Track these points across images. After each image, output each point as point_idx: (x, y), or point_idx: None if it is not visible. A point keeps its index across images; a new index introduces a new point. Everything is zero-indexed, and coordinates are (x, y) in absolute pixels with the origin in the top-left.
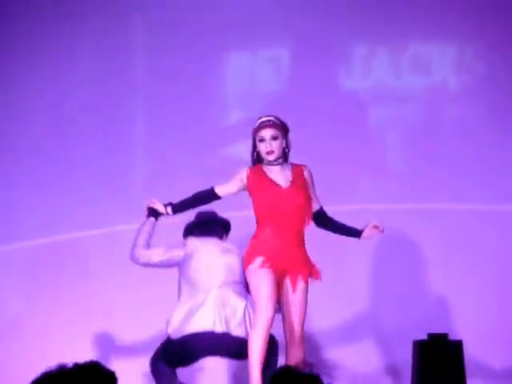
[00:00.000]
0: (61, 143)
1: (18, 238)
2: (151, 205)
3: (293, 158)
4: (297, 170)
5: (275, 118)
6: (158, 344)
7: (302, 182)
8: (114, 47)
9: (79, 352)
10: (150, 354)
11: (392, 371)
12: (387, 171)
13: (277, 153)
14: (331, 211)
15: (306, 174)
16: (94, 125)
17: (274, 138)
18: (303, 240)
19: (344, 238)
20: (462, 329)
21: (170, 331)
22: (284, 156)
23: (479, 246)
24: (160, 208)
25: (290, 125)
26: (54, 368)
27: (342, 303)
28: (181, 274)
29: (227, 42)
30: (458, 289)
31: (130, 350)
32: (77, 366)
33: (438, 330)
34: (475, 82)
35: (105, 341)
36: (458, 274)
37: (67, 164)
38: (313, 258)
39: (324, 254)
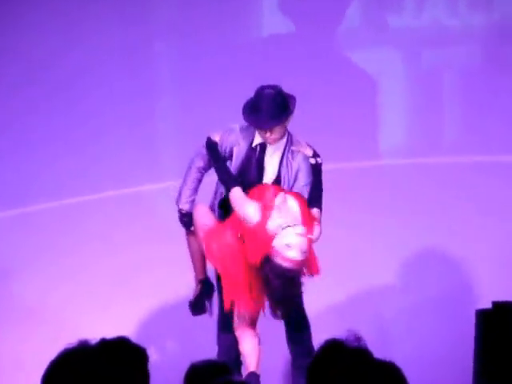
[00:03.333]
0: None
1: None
2: None
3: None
4: None
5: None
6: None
7: None
8: None
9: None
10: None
11: (454, 343)
12: (441, 117)
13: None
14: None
15: None
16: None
17: None
18: None
19: None
20: None
21: None
22: None
23: None
24: None
25: (333, 66)
26: (75, 345)
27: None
28: None
29: None
30: None
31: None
32: (102, 342)
33: (503, 297)
34: None
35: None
36: None
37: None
38: None
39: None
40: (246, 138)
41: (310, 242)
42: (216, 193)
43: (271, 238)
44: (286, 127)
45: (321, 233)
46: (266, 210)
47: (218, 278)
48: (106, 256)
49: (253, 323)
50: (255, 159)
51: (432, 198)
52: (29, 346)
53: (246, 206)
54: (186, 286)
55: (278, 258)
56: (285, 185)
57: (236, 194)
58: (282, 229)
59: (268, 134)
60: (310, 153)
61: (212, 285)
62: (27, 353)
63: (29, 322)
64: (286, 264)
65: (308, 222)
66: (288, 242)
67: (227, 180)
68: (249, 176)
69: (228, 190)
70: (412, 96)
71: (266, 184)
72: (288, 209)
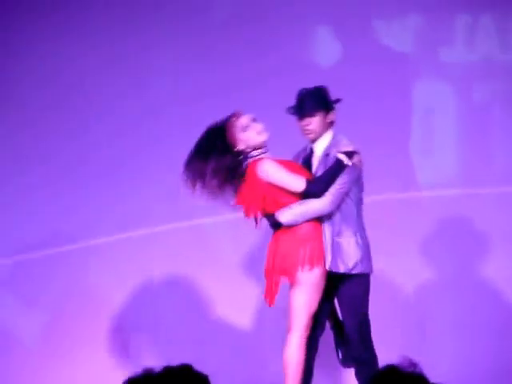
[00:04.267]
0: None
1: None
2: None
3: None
4: None
5: None
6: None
7: None
8: None
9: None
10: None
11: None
12: (491, 150)
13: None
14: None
15: None
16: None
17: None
18: None
19: None
20: None
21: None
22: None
23: None
24: None
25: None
26: (139, 373)
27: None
28: None
29: None
30: None
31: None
32: (166, 369)
33: None
34: None
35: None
36: None
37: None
38: None
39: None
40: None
41: None
42: None
43: None
44: (326, 124)
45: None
46: None
47: None
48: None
49: None
50: (305, 160)
51: (485, 228)
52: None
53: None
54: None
55: None
56: None
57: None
58: None
59: (305, 123)
60: (341, 150)
61: None
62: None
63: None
64: None
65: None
66: None
67: None
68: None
69: None
70: (462, 129)
71: None
72: None
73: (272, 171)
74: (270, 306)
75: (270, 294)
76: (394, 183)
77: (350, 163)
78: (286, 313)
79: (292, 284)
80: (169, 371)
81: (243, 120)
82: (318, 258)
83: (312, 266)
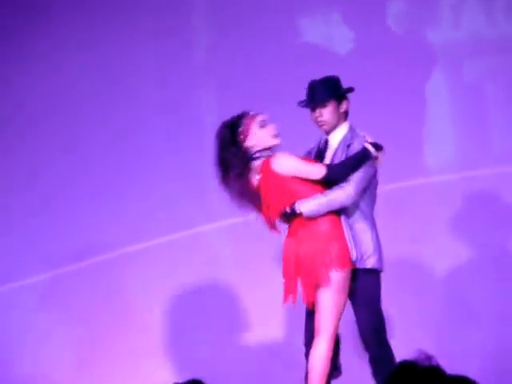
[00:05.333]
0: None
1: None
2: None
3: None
4: None
5: None
6: None
7: None
8: None
9: None
10: None
11: None
12: (487, 129)
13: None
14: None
15: None
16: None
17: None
18: None
19: None
20: None
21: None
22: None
23: None
24: None
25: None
26: None
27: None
28: None
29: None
30: None
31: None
32: None
33: None
34: None
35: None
36: None
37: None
38: None
39: None
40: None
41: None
42: None
43: None
44: (339, 114)
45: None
46: None
47: None
48: None
49: None
50: (319, 153)
51: (485, 210)
52: None
53: None
54: None
55: None
56: None
57: None
58: None
59: (317, 114)
60: (369, 140)
61: None
62: None
63: None
64: None
65: None
66: None
67: None
68: None
69: None
70: (456, 109)
71: None
72: None
73: (288, 162)
74: (293, 305)
75: (293, 294)
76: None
77: (377, 155)
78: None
79: (319, 285)
80: None
81: (263, 116)
82: (345, 258)
83: (342, 267)
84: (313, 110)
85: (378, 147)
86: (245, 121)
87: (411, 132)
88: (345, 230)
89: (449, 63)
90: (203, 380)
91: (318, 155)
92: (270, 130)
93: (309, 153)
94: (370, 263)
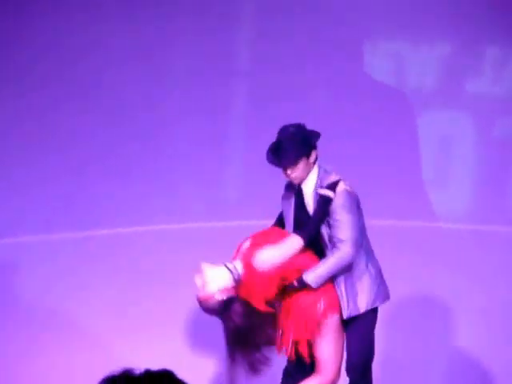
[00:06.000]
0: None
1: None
2: None
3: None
4: None
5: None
6: None
7: None
8: None
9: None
10: None
11: None
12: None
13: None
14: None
15: None
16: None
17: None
18: None
19: None
20: None
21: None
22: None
23: None
24: None
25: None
26: (118, 372)
27: None
28: None
29: None
30: None
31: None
32: (147, 372)
33: None
34: None
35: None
36: None
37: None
38: None
39: None
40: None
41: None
42: None
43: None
44: (310, 164)
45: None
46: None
47: None
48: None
49: None
50: (297, 204)
51: (493, 266)
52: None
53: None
54: None
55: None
56: None
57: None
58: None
59: (289, 172)
60: (324, 185)
61: None
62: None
63: None
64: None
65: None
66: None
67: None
68: (302, 220)
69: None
70: (480, 163)
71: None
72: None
73: (267, 259)
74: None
75: (287, 348)
76: (408, 211)
77: (332, 195)
78: None
79: (315, 338)
80: (149, 375)
81: None
82: (334, 306)
83: (327, 316)
84: (284, 169)
85: (333, 186)
86: None
87: (431, 176)
88: (336, 279)
89: (482, 116)
90: (175, 372)
91: (301, 206)
92: None
93: (287, 203)
94: (375, 304)
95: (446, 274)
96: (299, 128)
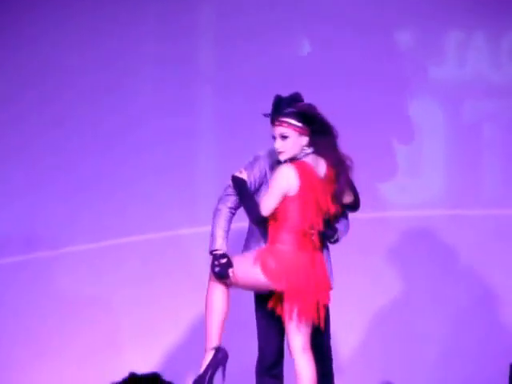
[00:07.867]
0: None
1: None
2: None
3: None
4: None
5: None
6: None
7: None
8: None
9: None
10: None
11: None
12: (483, 170)
13: (288, 153)
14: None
15: None
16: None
17: (284, 138)
18: None
19: None
20: None
21: None
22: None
23: None
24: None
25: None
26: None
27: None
28: None
29: None
30: None
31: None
32: (132, 376)
33: None
34: None
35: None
36: None
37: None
38: None
39: None
40: (273, 167)
41: None
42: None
43: None
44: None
45: None
46: None
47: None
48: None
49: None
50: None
51: (471, 250)
52: None
53: None
54: None
55: None
56: None
57: None
58: None
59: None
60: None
61: (226, 354)
62: None
63: None
64: None
65: None
66: None
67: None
68: None
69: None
70: (451, 148)
71: None
72: None
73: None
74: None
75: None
76: (380, 202)
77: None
78: None
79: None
80: (134, 379)
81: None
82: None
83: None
84: (274, 125)
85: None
86: None
87: (402, 165)
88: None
89: (450, 101)
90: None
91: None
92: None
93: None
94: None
95: (421, 260)
96: (295, 94)
